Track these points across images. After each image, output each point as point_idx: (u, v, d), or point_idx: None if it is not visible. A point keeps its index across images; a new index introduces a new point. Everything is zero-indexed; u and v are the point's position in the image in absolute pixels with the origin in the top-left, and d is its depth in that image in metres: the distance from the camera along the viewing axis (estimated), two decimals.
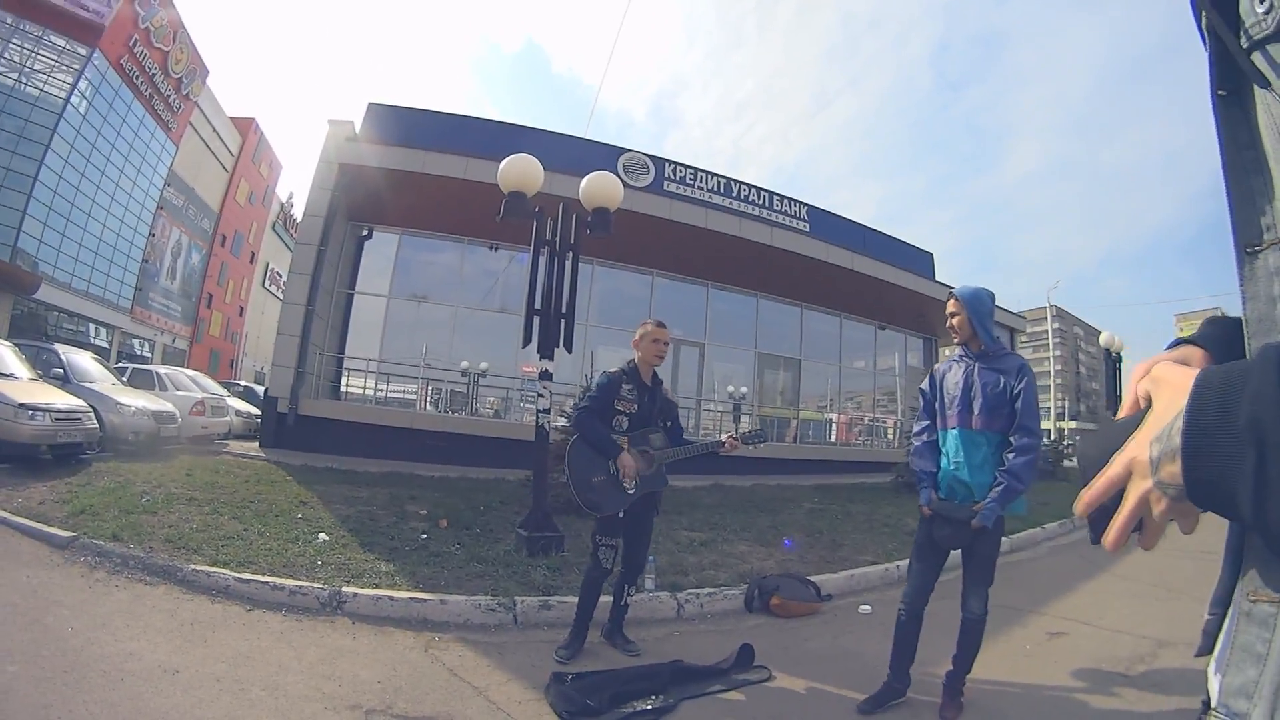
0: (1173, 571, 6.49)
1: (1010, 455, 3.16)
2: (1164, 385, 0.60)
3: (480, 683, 3.42)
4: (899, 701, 3.40)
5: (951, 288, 3.59)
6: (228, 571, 4.47)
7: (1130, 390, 0.65)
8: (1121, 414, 0.65)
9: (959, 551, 3.37)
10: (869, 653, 4.08)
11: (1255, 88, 0.60)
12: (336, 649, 3.69)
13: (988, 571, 3.30)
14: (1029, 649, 4.35)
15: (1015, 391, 3.21)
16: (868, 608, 5.18)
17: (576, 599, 4.03)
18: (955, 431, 3.31)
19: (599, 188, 6.62)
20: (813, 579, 5.40)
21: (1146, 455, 0.57)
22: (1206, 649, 0.73)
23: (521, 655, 3.85)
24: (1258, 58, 0.59)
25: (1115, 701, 3.55)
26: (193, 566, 4.51)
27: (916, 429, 3.55)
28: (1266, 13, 0.57)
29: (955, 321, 3.36)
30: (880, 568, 6.12)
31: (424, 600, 4.33)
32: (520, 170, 6.41)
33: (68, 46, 29.06)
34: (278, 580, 4.40)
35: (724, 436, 4.02)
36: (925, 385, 3.56)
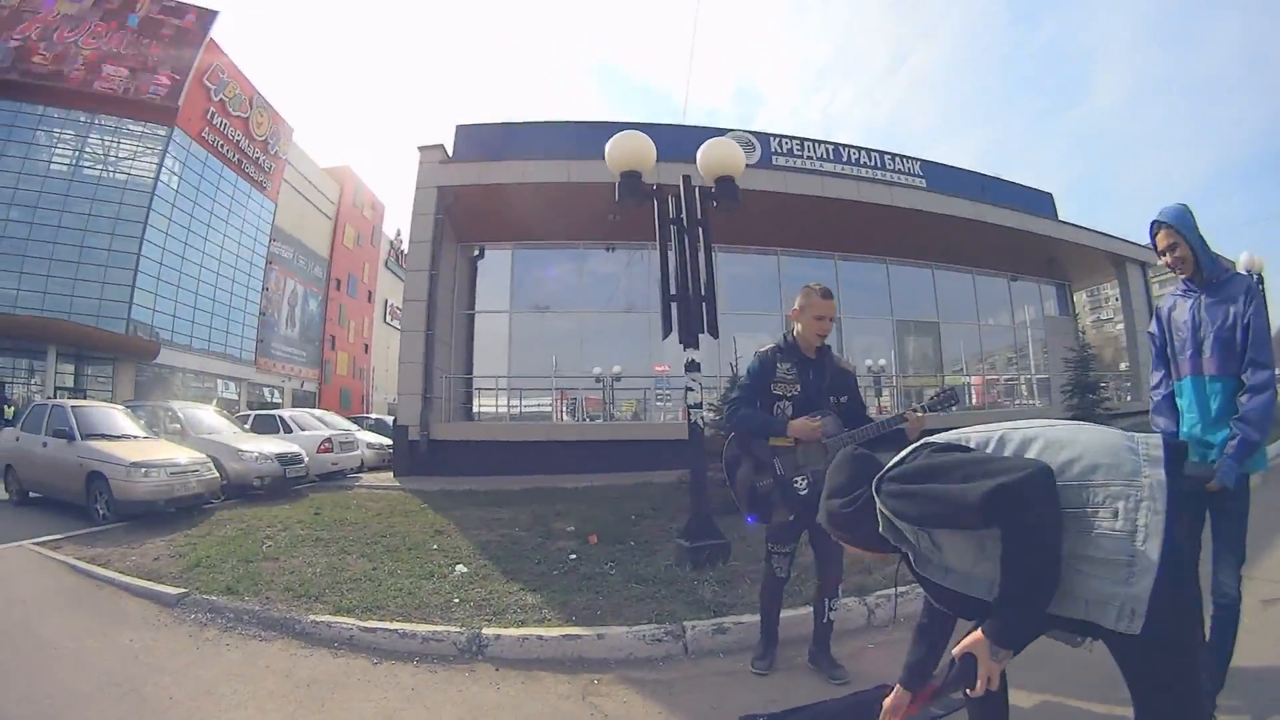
0: None
1: (1244, 398, 2.62)
2: None
3: None
4: None
5: (1160, 220, 2.86)
6: (351, 620, 4.05)
7: None
8: None
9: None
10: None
11: None
12: (478, 705, 3.17)
13: (1237, 536, 2.73)
14: (1247, 623, 3.52)
15: (1244, 319, 2.65)
16: None
17: (755, 618, 3.63)
18: (1188, 381, 2.82)
19: (719, 155, 5.95)
20: None
21: None
22: None
23: (697, 694, 3.23)
24: None
25: None
26: (312, 618, 4.12)
27: (1153, 381, 3.06)
28: None
29: (1176, 255, 2.77)
30: None
31: (578, 636, 3.77)
32: (630, 148, 5.85)
33: (146, 130, 31.12)
34: (407, 627, 3.94)
35: (907, 413, 3.13)
36: (1153, 328, 3.05)
